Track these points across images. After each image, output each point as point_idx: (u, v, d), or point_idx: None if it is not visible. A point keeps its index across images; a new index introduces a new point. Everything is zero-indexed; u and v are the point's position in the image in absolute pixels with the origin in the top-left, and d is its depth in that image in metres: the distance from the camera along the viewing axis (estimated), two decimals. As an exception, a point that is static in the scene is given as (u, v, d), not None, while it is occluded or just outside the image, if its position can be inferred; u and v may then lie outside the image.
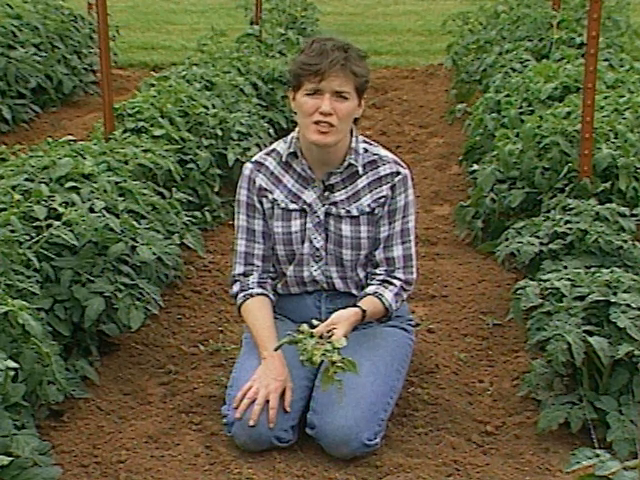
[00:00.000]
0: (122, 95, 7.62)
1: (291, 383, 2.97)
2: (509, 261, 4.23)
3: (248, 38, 8.06)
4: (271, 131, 6.14)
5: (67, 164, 3.74)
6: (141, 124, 4.93)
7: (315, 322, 2.90)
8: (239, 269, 3.20)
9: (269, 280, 3.21)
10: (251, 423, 2.89)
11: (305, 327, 2.84)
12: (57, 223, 3.32)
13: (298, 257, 3.16)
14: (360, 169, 3.12)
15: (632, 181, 4.25)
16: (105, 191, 3.73)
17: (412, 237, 3.18)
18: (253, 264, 3.18)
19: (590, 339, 2.91)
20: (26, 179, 3.64)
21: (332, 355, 2.76)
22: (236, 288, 3.20)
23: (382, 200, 3.12)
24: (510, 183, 4.65)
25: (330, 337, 2.82)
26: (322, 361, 2.77)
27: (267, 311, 3.13)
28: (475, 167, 5.00)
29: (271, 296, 3.18)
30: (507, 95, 5.62)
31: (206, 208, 4.96)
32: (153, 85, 5.83)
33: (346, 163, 3.11)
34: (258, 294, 3.15)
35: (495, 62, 6.94)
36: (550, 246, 3.79)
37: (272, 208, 3.16)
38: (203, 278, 4.37)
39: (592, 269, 3.33)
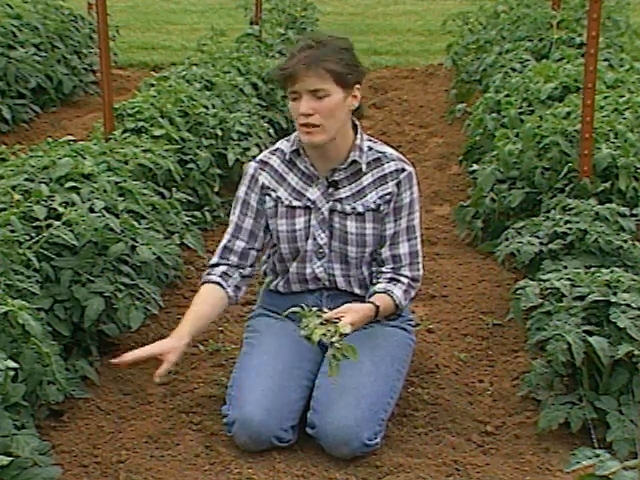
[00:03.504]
0: (122, 95, 7.62)
1: (174, 357, 2.91)
2: (509, 261, 4.23)
3: (248, 38, 8.06)
4: (271, 131, 6.14)
5: (67, 164, 3.74)
6: (141, 124, 4.93)
7: (325, 309, 2.91)
8: (214, 260, 3.20)
9: (238, 276, 3.16)
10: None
11: (314, 309, 2.86)
12: (57, 223, 3.32)
13: (302, 254, 3.17)
14: (364, 166, 3.11)
15: (632, 181, 4.25)
16: (105, 191, 3.73)
17: (418, 234, 3.18)
18: (228, 259, 3.17)
19: (590, 339, 2.91)
20: (26, 179, 3.64)
21: (333, 337, 2.77)
22: (203, 276, 3.20)
23: (388, 197, 3.12)
24: (510, 183, 4.65)
25: (336, 322, 2.83)
26: (320, 340, 2.78)
27: (204, 298, 3.10)
28: (475, 167, 5.01)
29: (229, 290, 3.12)
30: (507, 95, 5.62)
31: (206, 208, 4.96)
32: (153, 85, 5.83)
33: (350, 160, 3.11)
34: (211, 281, 3.13)
35: (495, 62, 6.94)
36: (550, 246, 3.79)
37: (275, 206, 3.16)
38: (203, 278, 4.37)
39: (592, 269, 3.32)
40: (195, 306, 3.09)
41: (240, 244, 3.17)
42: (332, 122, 3.01)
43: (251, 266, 3.20)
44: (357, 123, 3.14)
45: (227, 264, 3.17)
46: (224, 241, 3.20)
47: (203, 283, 3.16)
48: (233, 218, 3.20)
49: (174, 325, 3.85)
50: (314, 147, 3.06)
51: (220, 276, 3.14)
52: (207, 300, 3.11)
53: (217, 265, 3.18)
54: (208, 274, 3.17)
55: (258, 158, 3.22)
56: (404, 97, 8.39)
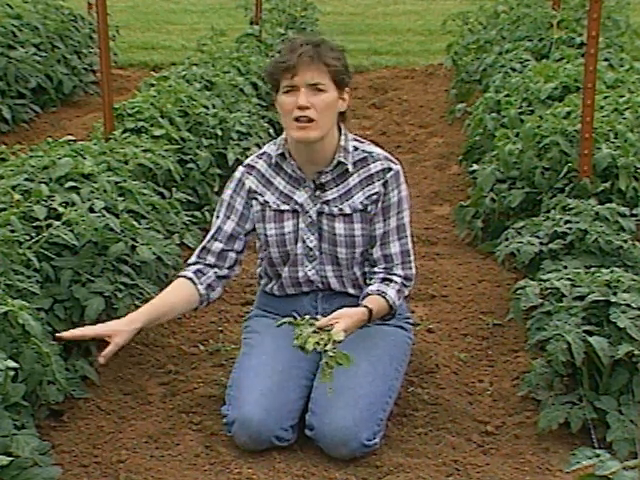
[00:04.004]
0: (122, 95, 7.62)
1: (121, 340, 2.90)
2: (509, 261, 4.23)
3: (248, 38, 8.06)
4: (271, 131, 6.14)
5: (67, 164, 3.74)
6: (141, 124, 4.93)
7: (319, 317, 2.91)
8: (191, 260, 3.20)
9: (212, 275, 3.15)
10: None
11: (307, 317, 2.87)
12: (57, 223, 3.32)
13: (292, 258, 3.17)
14: (350, 167, 3.11)
15: (632, 181, 4.25)
16: (105, 191, 3.73)
17: (408, 232, 3.18)
18: (205, 259, 3.17)
19: (590, 339, 2.91)
20: (26, 179, 3.64)
21: (326, 345, 2.77)
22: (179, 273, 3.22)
23: (375, 197, 3.12)
24: (510, 183, 4.65)
25: (330, 330, 2.83)
26: (314, 349, 2.78)
27: (174, 290, 3.10)
28: (475, 167, 5.01)
29: (200, 287, 3.11)
30: (507, 95, 5.62)
31: (206, 208, 4.96)
32: (153, 85, 5.83)
33: (335, 161, 3.11)
34: (182, 276, 3.14)
35: (495, 62, 6.94)
36: (550, 246, 3.79)
37: (263, 210, 3.16)
38: (203, 278, 4.36)
39: (592, 269, 3.33)
40: (160, 295, 3.10)
41: (218, 245, 3.17)
42: (326, 119, 3.01)
43: (229, 268, 3.18)
44: (341, 125, 3.14)
45: (203, 263, 3.17)
46: (203, 242, 3.21)
47: (177, 277, 3.17)
48: (216, 221, 3.20)
49: (174, 325, 3.87)
50: (305, 144, 3.05)
51: (194, 272, 3.14)
52: (174, 291, 3.11)
53: (193, 264, 3.18)
54: (182, 270, 3.19)
55: (245, 162, 3.23)
56: (404, 97, 8.39)
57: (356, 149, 3.14)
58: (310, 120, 2.98)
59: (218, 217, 3.20)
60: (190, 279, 3.11)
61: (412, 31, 12.49)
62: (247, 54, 7.25)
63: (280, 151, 3.14)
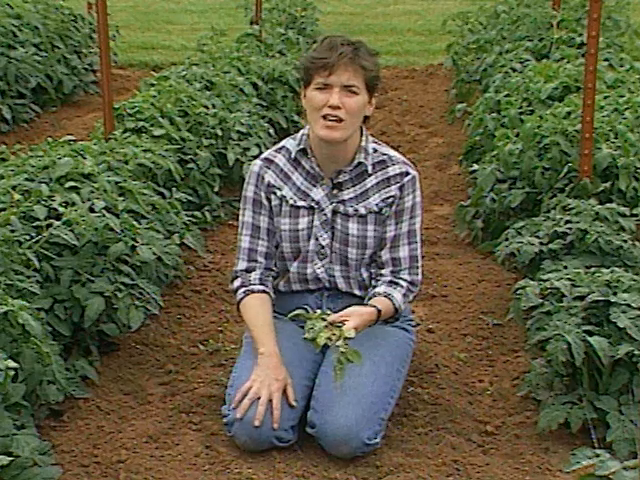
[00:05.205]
0: (122, 95, 7.62)
1: (291, 379, 2.97)
2: (509, 261, 4.23)
3: (248, 38, 8.06)
4: (271, 131, 6.14)
5: (67, 164, 3.74)
6: (141, 124, 4.93)
7: (328, 312, 2.92)
8: (242, 265, 3.19)
9: (270, 278, 3.22)
10: (257, 423, 2.87)
11: (319, 311, 2.88)
12: (57, 223, 3.32)
13: (303, 254, 3.17)
14: (369, 168, 3.13)
15: (632, 181, 4.25)
16: (105, 191, 3.73)
17: (418, 238, 3.19)
18: (256, 260, 3.19)
19: (590, 339, 2.92)
20: (26, 179, 3.65)
21: (337, 341, 2.78)
22: (237, 283, 3.19)
23: (390, 200, 3.13)
24: (510, 183, 4.65)
25: (341, 326, 2.83)
26: (325, 344, 2.79)
27: (267, 308, 3.13)
28: (475, 167, 5.01)
29: (272, 294, 3.19)
30: (507, 95, 5.62)
31: (206, 208, 4.96)
32: (153, 85, 5.83)
33: (355, 162, 3.12)
34: (259, 291, 3.15)
35: (495, 62, 6.94)
36: (550, 246, 3.79)
37: (280, 205, 3.17)
38: (203, 278, 4.37)
39: (592, 269, 3.33)
40: (264, 319, 3.10)
41: (263, 244, 3.18)
42: (353, 121, 3.03)
43: (276, 264, 3.23)
44: (363, 127, 3.15)
45: (258, 267, 3.18)
46: (245, 244, 3.19)
47: (246, 294, 3.15)
48: (246, 219, 3.19)
49: (174, 325, 3.87)
50: (329, 144, 3.05)
51: (260, 283, 3.16)
52: (267, 311, 3.13)
53: (247, 271, 3.18)
54: (246, 284, 3.16)
55: (263, 156, 3.23)
56: (404, 97, 8.39)
57: (375, 151, 3.15)
58: (339, 120, 2.99)
59: (248, 215, 3.19)
60: (262, 292, 3.14)
61: (412, 31, 12.48)
62: (247, 54, 7.25)
63: (301, 147, 3.15)
